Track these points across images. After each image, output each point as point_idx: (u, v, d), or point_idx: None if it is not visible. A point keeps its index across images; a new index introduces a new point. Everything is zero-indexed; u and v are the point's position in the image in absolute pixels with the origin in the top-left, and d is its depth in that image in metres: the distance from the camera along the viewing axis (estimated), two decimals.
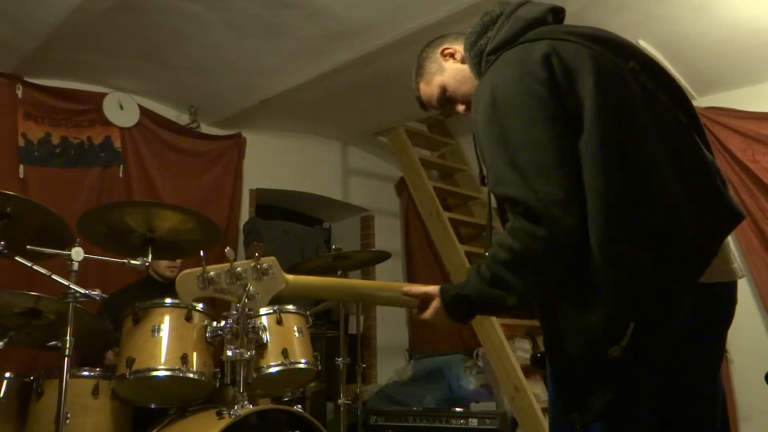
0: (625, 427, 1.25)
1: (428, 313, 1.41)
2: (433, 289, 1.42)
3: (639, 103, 1.30)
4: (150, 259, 2.48)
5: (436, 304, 1.39)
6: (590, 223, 1.20)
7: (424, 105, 1.66)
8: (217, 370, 2.58)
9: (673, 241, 1.22)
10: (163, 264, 3.35)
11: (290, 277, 1.47)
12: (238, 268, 1.43)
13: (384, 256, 3.61)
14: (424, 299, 1.43)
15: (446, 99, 1.59)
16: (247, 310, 1.47)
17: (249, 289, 1.42)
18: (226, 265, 1.43)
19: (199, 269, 1.42)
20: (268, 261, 1.46)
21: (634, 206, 1.21)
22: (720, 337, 1.37)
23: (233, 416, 2.34)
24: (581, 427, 1.24)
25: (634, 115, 1.28)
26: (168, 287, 3.30)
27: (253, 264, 1.44)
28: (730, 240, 1.36)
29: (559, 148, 1.23)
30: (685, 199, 1.24)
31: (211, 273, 1.42)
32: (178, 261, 3.41)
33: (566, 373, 1.26)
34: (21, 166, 3.76)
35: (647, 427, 1.27)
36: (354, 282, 1.58)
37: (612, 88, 1.27)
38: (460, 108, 1.59)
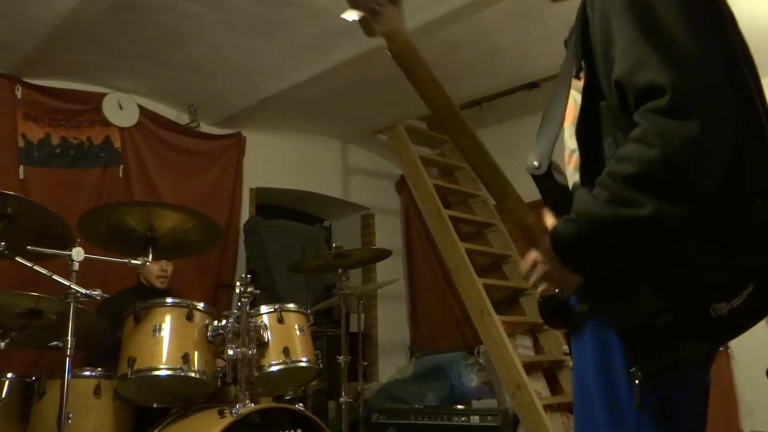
0: (682, 392, 1.09)
1: (535, 254, 1.13)
2: (550, 222, 1.14)
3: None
4: (150, 259, 2.48)
5: (545, 241, 1.11)
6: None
7: None
8: (219, 369, 2.59)
9: None
10: (154, 274, 3.35)
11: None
12: None
13: (384, 254, 3.60)
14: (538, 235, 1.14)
15: None
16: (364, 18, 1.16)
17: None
18: None
19: None
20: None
21: None
22: None
23: (235, 415, 2.34)
24: (640, 380, 1.05)
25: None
26: (159, 294, 3.27)
27: None
28: None
29: (720, 40, 1.03)
30: None
31: None
32: (169, 269, 3.39)
33: (641, 321, 1.05)
34: (21, 167, 3.76)
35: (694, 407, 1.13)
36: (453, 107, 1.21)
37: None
38: None
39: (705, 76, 0.97)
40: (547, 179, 1.16)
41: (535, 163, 1.15)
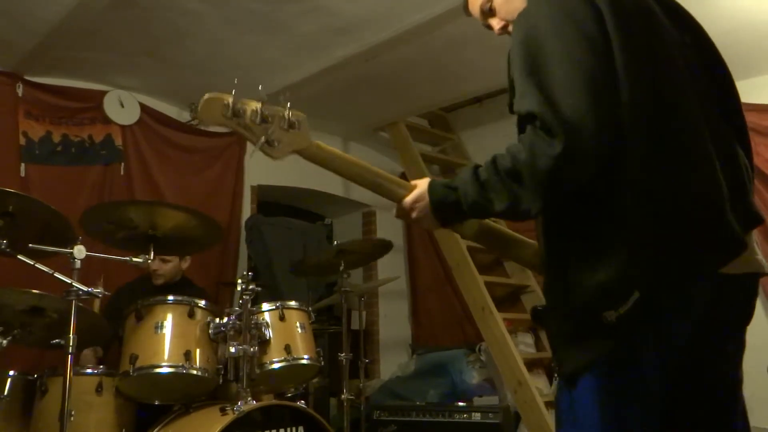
0: (605, 391, 1.19)
1: (409, 200, 1.39)
2: (422, 182, 1.39)
3: (683, 78, 1.28)
4: (152, 257, 2.48)
5: (422, 195, 1.37)
6: (630, 163, 1.15)
7: (466, 8, 1.62)
8: (220, 366, 2.59)
9: (706, 227, 1.17)
10: (152, 269, 3.32)
11: (316, 142, 1.43)
12: (268, 111, 1.36)
13: (386, 245, 3.59)
14: (411, 191, 1.40)
15: (489, 9, 1.54)
16: (261, 149, 1.39)
17: (272, 133, 1.36)
18: (258, 103, 1.37)
19: (230, 95, 1.34)
20: (299, 116, 1.40)
21: (676, 167, 1.17)
22: (741, 327, 1.35)
23: (237, 412, 2.35)
24: (560, 379, 1.23)
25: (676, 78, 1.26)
26: (160, 290, 3.28)
27: (284, 112, 1.38)
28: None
29: (595, 65, 1.17)
30: (722, 185, 1.20)
31: (241, 105, 1.35)
32: (168, 266, 3.36)
33: (557, 324, 1.24)
34: (22, 165, 3.77)
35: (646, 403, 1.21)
36: (369, 167, 1.57)
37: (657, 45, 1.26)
38: (495, 24, 1.55)
39: (570, 103, 1.14)
40: None
41: None
